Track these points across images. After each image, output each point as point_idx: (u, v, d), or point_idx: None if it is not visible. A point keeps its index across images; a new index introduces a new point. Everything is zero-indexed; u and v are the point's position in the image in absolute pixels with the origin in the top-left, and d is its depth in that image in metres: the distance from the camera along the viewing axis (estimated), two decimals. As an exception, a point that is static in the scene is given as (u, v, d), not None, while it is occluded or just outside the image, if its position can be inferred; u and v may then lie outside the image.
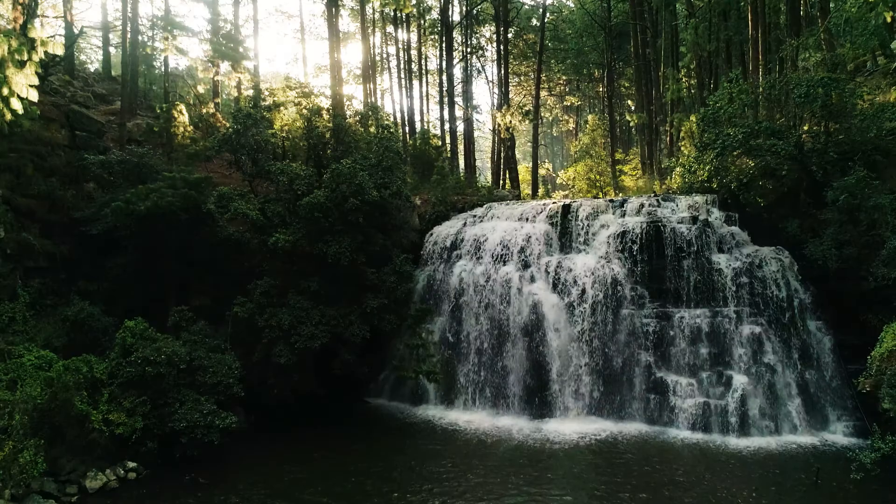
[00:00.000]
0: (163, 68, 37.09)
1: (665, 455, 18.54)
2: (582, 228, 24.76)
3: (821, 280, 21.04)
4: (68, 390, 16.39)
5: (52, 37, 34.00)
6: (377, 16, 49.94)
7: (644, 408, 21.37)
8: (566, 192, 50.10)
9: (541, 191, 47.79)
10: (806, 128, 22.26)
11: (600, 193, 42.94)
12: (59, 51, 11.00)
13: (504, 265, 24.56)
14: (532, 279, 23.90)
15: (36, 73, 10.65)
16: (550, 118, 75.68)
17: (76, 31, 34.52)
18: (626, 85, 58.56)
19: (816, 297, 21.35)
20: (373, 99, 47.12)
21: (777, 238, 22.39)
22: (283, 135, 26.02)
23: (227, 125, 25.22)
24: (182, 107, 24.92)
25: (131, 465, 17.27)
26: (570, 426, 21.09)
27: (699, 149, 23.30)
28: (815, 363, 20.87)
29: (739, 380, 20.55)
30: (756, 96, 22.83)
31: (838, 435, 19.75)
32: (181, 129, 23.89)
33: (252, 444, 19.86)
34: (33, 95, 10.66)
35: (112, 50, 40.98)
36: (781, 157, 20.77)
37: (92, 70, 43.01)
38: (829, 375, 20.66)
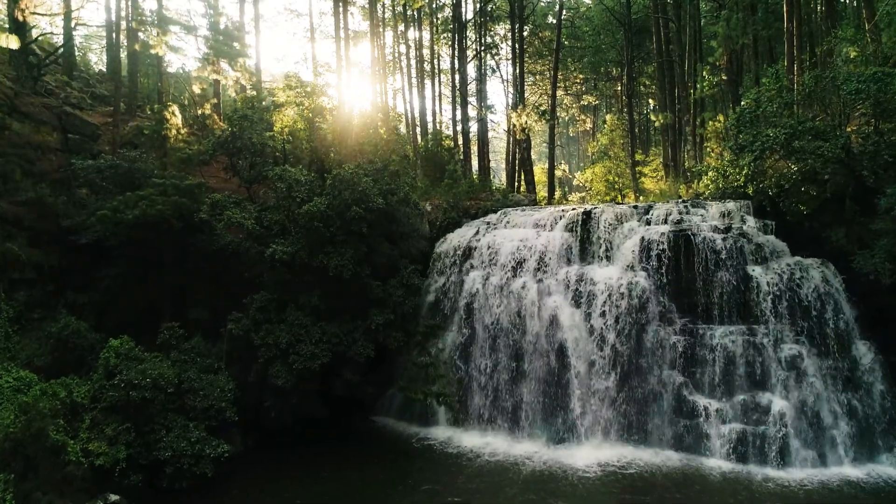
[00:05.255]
0: (169, 68, 35.98)
1: (699, 488, 16.85)
2: (604, 237, 22.97)
3: (870, 296, 19.12)
4: (43, 418, 15.01)
5: (47, 33, 32.99)
6: (389, 14, 48.54)
7: (673, 433, 19.54)
8: (583, 195, 48.31)
9: (557, 193, 46.01)
10: (851, 128, 20.30)
11: (619, 196, 41.07)
12: (14, 45, 9.49)
13: (520, 276, 22.86)
14: (550, 292, 22.17)
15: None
16: (567, 118, 73.74)
17: (77, 30, 33.40)
18: (646, 83, 56.52)
19: (865, 315, 19.42)
20: (384, 99, 45.73)
21: (819, 249, 20.48)
22: (284, 137, 24.53)
23: (225, 127, 23.82)
24: (175, 108, 23.50)
25: (114, 497, 15.82)
26: (593, 453, 19.36)
27: (734, 151, 21.41)
28: (863, 387, 18.91)
29: (779, 405, 18.66)
30: (798, 93, 20.86)
31: (890, 467, 17.81)
32: (174, 131, 22.52)
33: (247, 470, 18.55)
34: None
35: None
36: (826, 161, 18.84)
37: (96, 71, 42.02)
38: (879, 401, 18.71)
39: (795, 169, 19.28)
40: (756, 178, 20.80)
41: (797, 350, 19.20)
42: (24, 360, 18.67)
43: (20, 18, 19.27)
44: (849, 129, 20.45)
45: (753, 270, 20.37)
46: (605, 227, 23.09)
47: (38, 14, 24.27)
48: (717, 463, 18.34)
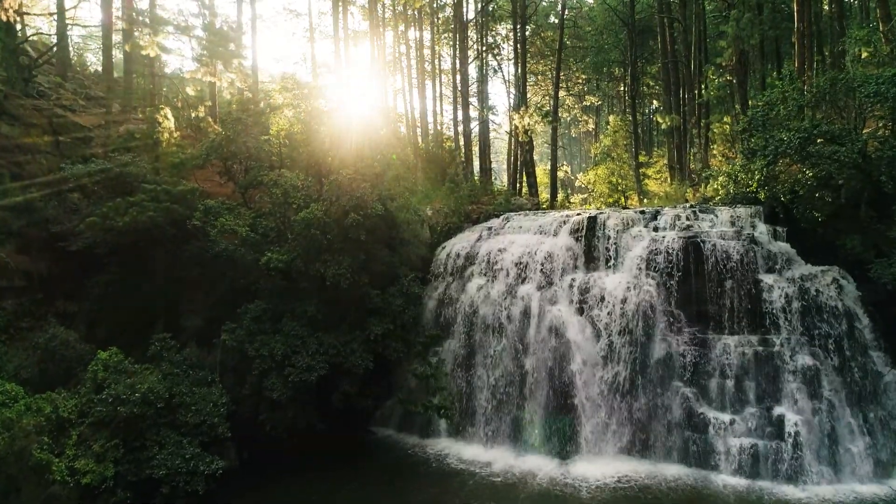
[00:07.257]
0: (165, 69, 35.29)
1: (710, 506, 16.20)
2: (610, 243, 22.28)
3: (887, 305, 18.45)
4: (27, 436, 14.38)
5: (42, 33, 32.31)
6: (389, 14, 47.90)
7: (683, 448, 18.88)
8: (585, 196, 47.63)
9: (560, 195, 45.32)
10: (866, 131, 19.60)
11: (622, 198, 40.36)
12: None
13: (523, 284, 22.23)
14: (554, 300, 21.53)
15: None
16: (569, 119, 73.07)
17: (73, 30, 32.73)
18: (650, 84, 55.83)
19: (881, 325, 18.74)
20: (384, 100, 45.05)
21: (833, 256, 19.81)
22: (280, 140, 23.87)
23: (219, 130, 23.15)
24: (167, 111, 22.84)
25: (101, 517, 15.23)
26: (600, 468, 18.73)
27: (746, 155, 20.74)
28: (879, 400, 18.24)
29: (792, 418, 18.00)
30: (812, 95, 20.15)
31: (909, 484, 17.18)
32: (166, 135, 21.88)
33: (242, 484, 18.06)
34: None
35: (116, 52, 39.16)
36: (842, 165, 18.16)
37: (93, 71, 41.36)
38: (896, 415, 18.07)
39: (810, 174, 18.59)
40: (768, 183, 20.11)
41: (811, 361, 18.52)
42: (11, 371, 17.98)
43: (4, 18, 18.60)
44: (866, 132, 19.76)
45: (765, 278, 19.72)
46: (611, 232, 22.41)
47: (27, 13, 23.54)
48: (728, 478, 17.72)
